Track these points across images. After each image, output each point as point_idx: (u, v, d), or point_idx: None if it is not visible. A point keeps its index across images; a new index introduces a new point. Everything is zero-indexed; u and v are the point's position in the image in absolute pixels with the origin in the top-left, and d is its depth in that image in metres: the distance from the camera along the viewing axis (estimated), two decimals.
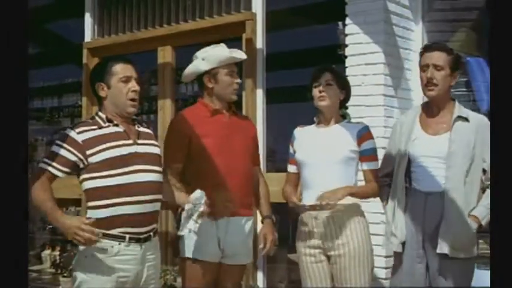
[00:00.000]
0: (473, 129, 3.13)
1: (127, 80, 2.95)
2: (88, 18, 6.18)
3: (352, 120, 3.48)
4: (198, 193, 3.00)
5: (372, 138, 3.33)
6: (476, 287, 3.21)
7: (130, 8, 5.91)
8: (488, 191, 3.13)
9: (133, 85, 2.95)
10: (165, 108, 5.58)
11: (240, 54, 3.48)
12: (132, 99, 2.95)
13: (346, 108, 3.48)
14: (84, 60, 6.07)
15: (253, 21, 4.95)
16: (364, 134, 3.30)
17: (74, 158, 2.84)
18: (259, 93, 4.95)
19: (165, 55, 5.58)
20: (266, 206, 3.53)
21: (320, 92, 3.33)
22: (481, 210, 3.08)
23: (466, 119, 3.16)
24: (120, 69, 2.95)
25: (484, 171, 3.14)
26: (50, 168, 2.84)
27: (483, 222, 3.08)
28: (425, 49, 3.27)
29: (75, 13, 6.33)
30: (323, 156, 3.28)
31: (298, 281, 3.43)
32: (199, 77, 3.43)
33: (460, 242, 3.06)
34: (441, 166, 3.12)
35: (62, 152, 2.84)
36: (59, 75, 7.12)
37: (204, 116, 3.39)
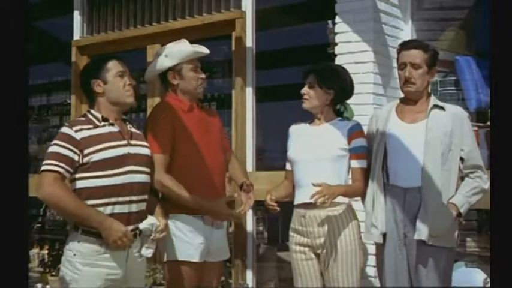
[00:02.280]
0: (449, 117, 3.15)
1: (122, 74, 3.00)
2: (77, 16, 6.15)
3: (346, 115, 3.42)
4: (150, 221, 2.96)
5: (363, 136, 3.31)
6: (469, 287, 3.21)
7: (119, 6, 5.88)
8: (467, 179, 3.15)
9: (130, 79, 3.01)
10: None
11: (203, 49, 3.43)
12: (129, 92, 3.00)
13: (342, 103, 3.40)
14: (73, 58, 6.05)
15: (242, 20, 4.94)
16: (354, 131, 3.28)
17: (76, 158, 2.82)
18: (249, 92, 4.94)
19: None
20: (241, 173, 3.53)
21: (303, 94, 3.34)
22: (460, 198, 3.09)
23: (442, 108, 3.19)
24: (115, 65, 3.00)
25: (462, 159, 3.14)
26: (58, 169, 2.78)
27: (462, 210, 3.08)
28: (402, 47, 3.27)
29: (63, 11, 6.31)
30: (313, 155, 3.27)
31: (288, 280, 3.44)
32: (163, 75, 3.39)
33: (439, 229, 3.05)
34: (419, 157, 3.11)
35: (66, 152, 2.80)
36: (48, 73, 7.09)
37: (182, 111, 3.33)
